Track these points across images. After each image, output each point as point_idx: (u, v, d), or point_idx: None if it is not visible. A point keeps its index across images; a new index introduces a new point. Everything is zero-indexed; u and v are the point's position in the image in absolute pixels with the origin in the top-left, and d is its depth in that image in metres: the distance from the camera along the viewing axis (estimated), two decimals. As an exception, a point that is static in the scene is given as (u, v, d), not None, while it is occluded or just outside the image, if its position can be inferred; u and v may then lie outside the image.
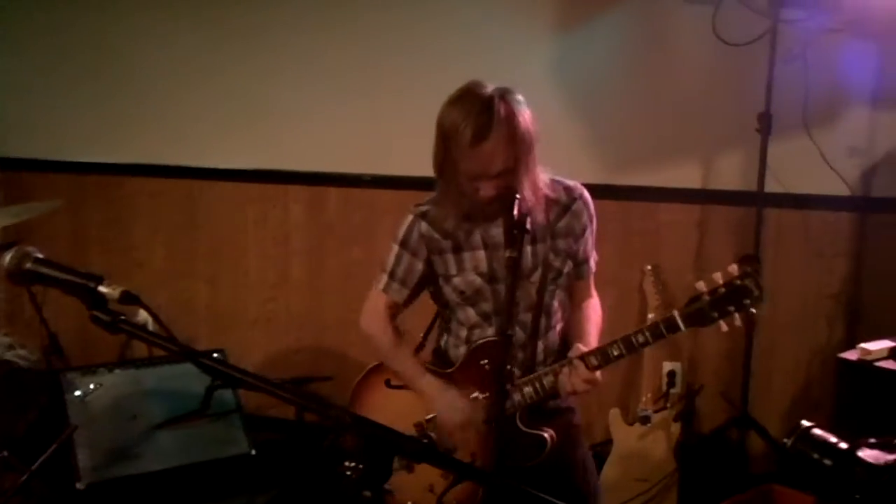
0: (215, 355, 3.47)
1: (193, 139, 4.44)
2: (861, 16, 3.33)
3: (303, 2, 4.19)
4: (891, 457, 1.73)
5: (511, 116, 2.16)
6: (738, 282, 2.12)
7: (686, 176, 3.78)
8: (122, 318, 1.24)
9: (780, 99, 3.46)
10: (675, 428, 3.52)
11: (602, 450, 3.62)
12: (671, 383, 3.69)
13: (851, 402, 3.05)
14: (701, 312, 2.14)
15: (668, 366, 3.70)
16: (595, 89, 3.85)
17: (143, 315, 3.72)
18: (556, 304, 2.38)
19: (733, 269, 2.14)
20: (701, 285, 2.15)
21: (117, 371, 3.46)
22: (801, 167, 3.56)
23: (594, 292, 2.51)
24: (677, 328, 2.16)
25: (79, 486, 3.12)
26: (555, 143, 3.89)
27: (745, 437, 3.65)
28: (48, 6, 4.64)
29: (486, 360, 2.32)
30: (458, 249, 2.34)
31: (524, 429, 2.31)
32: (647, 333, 2.19)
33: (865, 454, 1.76)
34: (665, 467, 3.47)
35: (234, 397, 3.53)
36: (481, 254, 2.33)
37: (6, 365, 3.63)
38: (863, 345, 3.06)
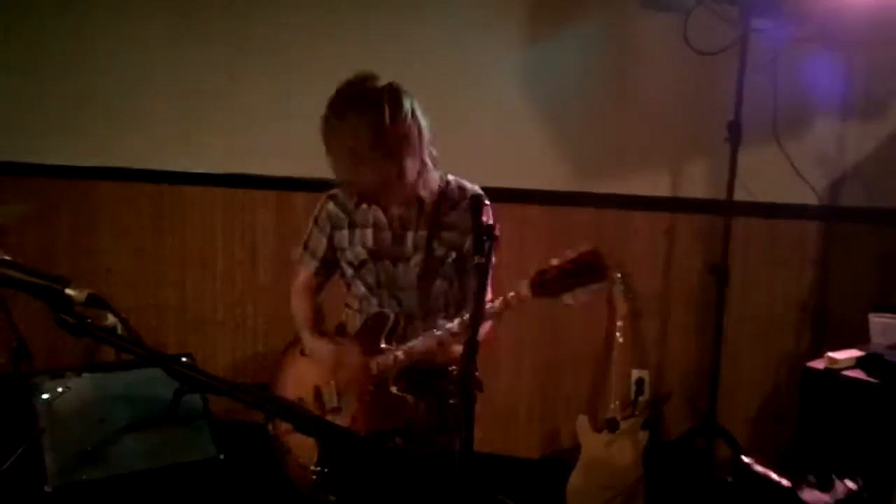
0: (183, 360, 3.45)
1: (162, 143, 4.41)
2: (830, 26, 3.38)
3: (273, 5, 4.18)
4: (830, 498, 1.75)
5: (372, 105, 2.38)
6: (585, 259, 2.29)
7: (655, 184, 3.82)
8: (89, 321, 1.24)
9: (749, 108, 3.49)
10: (643, 435, 3.54)
11: (569, 456, 3.64)
12: (639, 391, 3.73)
13: (818, 411, 3.08)
14: (547, 284, 2.31)
15: (636, 373, 3.75)
16: (565, 98, 3.87)
17: (111, 319, 3.69)
18: (437, 288, 2.59)
19: (584, 247, 2.30)
20: (553, 260, 2.31)
21: (85, 375, 3.43)
22: (770, 176, 3.61)
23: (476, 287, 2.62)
24: (524, 298, 2.34)
25: (46, 488, 3.09)
26: (524, 151, 3.98)
27: (712, 444, 3.69)
28: (20, 7, 4.60)
29: (368, 330, 2.58)
30: (352, 226, 2.63)
31: (396, 392, 2.52)
32: (499, 302, 2.36)
33: (806, 495, 1.78)
34: (632, 474, 3.49)
35: (202, 402, 3.51)
36: (369, 231, 2.60)
37: (-29, 368, 3.58)
38: (830, 354, 3.10)
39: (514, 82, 3.88)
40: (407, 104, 2.44)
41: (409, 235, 2.57)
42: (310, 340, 2.68)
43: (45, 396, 3.30)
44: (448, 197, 2.58)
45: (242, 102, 4.24)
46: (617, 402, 3.60)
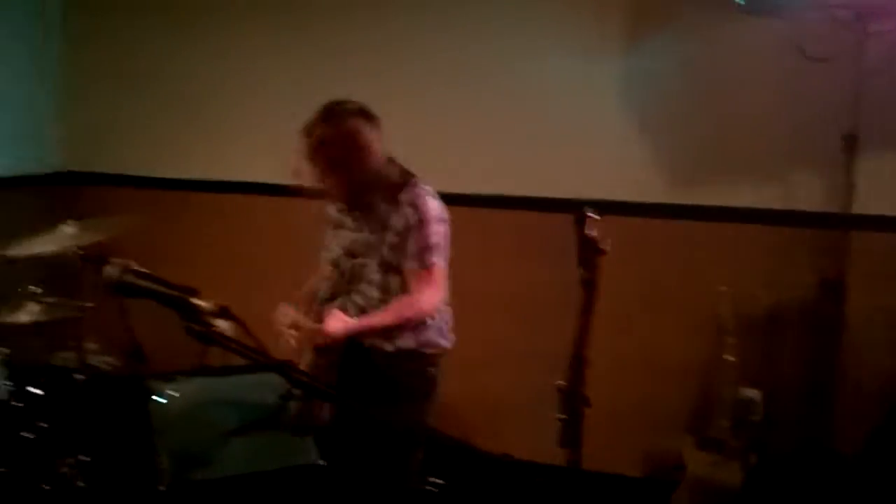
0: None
1: (257, 154, 4.52)
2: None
3: (373, 15, 4.24)
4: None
5: (331, 126, 2.78)
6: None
7: (763, 196, 3.71)
8: (215, 329, 1.28)
9: (867, 115, 3.36)
10: (751, 457, 3.44)
11: (673, 475, 3.57)
12: (749, 411, 3.62)
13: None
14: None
15: (746, 392, 3.63)
16: (664, 106, 3.81)
17: (222, 324, 3.80)
18: (374, 282, 2.88)
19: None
20: None
21: (196, 378, 3.54)
22: (892, 187, 3.46)
23: (416, 289, 2.85)
24: None
25: (160, 487, 3.20)
26: (620, 160, 3.93)
27: (824, 469, 3.55)
28: (119, 27, 4.81)
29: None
30: (337, 227, 3.00)
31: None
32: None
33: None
34: (738, 497, 3.40)
35: (307, 407, 3.57)
36: (342, 233, 2.97)
37: (93, 370, 3.75)
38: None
39: (610, 91, 3.84)
40: (349, 123, 2.78)
41: (360, 238, 2.90)
42: None
43: (158, 399, 3.42)
44: (397, 202, 2.83)
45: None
46: (724, 422, 3.50)
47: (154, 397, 3.41)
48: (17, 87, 4.74)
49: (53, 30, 4.89)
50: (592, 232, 2.25)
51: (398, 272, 2.87)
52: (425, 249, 2.82)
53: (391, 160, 2.91)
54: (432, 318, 2.94)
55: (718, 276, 3.67)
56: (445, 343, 3.02)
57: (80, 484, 3.40)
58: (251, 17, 4.49)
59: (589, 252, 2.18)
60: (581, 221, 2.26)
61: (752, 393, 3.63)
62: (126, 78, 4.82)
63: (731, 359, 3.54)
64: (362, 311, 2.90)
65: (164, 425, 3.35)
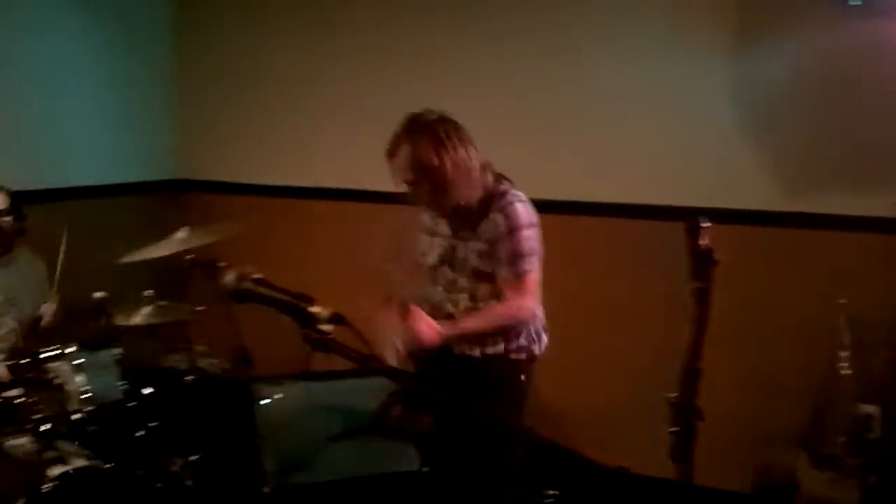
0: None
1: (371, 164, 4.57)
2: None
3: (493, 24, 4.24)
4: None
5: (411, 142, 2.79)
6: None
7: (882, 204, 3.55)
8: (331, 336, 1.29)
9: None
10: (869, 476, 3.28)
11: (786, 493, 3.44)
12: (866, 427, 3.46)
13: None
14: None
15: (864, 409, 3.47)
16: (777, 110, 3.70)
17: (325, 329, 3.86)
18: (465, 289, 2.87)
19: None
20: None
21: (300, 382, 3.59)
22: None
23: (510, 297, 2.81)
24: None
25: (265, 489, 3.26)
26: (732, 167, 3.82)
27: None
28: (230, 38, 4.95)
29: None
30: (431, 234, 3.00)
31: None
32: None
33: None
34: (856, 517, 3.25)
35: (410, 414, 3.58)
36: (436, 240, 2.96)
37: (201, 372, 3.85)
38: None
39: (723, 94, 3.75)
40: (430, 135, 2.79)
41: (455, 245, 2.89)
42: None
43: (264, 402, 3.49)
44: (486, 209, 2.81)
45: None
46: (841, 438, 3.36)
47: (260, 400, 3.48)
48: (133, 98, 4.95)
49: (168, 43, 5.09)
50: (705, 241, 2.21)
51: (488, 280, 2.85)
52: (517, 257, 2.79)
53: (485, 166, 2.88)
54: (526, 325, 2.90)
55: (836, 287, 3.53)
56: (535, 349, 2.97)
57: (189, 483, 3.49)
58: (362, 27, 4.56)
59: (702, 262, 2.12)
60: (694, 231, 2.19)
61: (871, 409, 3.48)
62: (237, 88, 4.97)
63: (848, 373, 3.39)
64: (452, 318, 2.90)
65: (268, 428, 3.41)
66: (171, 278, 4.28)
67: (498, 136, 4.19)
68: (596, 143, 4.04)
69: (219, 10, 5.00)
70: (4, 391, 3.19)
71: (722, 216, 3.64)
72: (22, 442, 3.08)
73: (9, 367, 3.16)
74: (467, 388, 2.85)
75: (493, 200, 2.82)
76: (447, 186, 2.79)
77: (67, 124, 4.61)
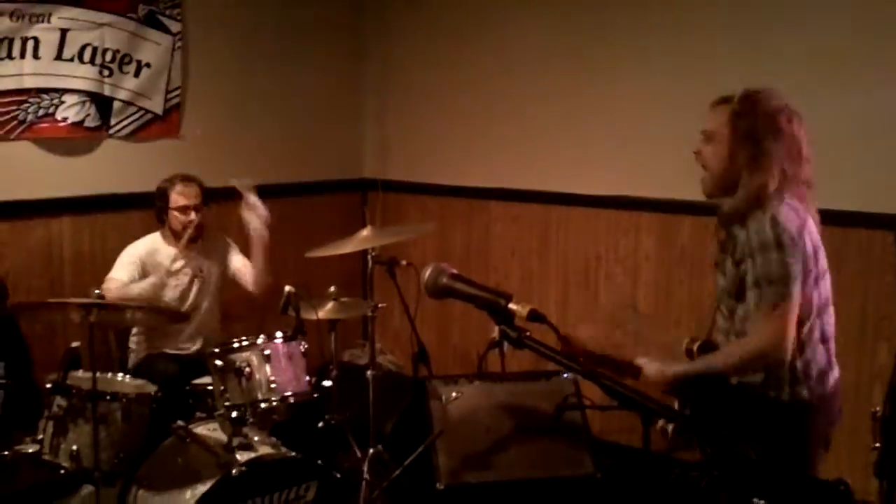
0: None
1: (551, 165, 4.56)
2: None
3: (643, 28, 4.16)
4: None
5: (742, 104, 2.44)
6: None
7: None
8: (528, 334, 1.28)
9: None
10: None
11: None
12: None
13: None
14: None
15: None
16: None
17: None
18: (726, 306, 2.51)
19: None
20: None
21: (476, 382, 3.61)
22: None
23: (753, 328, 2.42)
24: None
25: (438, 486, 3.30)
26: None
27: None
28: (417, 44, 5.08)
29: None
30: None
31: None
32: None
33: None
34: None
35: (582, 419, 3.54)
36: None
37: (379, 367, 3.94)
38: None
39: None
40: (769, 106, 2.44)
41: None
42: None
43: (440, 400, 3.53)
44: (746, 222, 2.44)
45: (636, 126, 4.24)
46: None
47: (436, 398, 3.53)
48: (324, 102, 5.17)
49: (356, 49, 5.28)
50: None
51: (745, 299, 2.46)
52: (765, 280, 2.37)
53: (787, 181, 2.44)
54: (778, 362, 2.41)
55: None
56: (804, 393, 2.46)
57: (367, 477, 3.59)
58: (541, 32, 4.56)
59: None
60: None
61: None
62: (423, 92, 5.10)
63: None
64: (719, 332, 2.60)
65: (443, 426, 3.45)
66: (355, 275, 4.43)
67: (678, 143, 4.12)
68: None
69: (407, 23, 5.14)
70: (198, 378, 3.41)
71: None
72: (212, 428, 3.25)
73: (202, 354, 3.34)
74: (723, 416, 2.50)
75: (759, 207, 2.42)
76: (741, 167, 2.43)
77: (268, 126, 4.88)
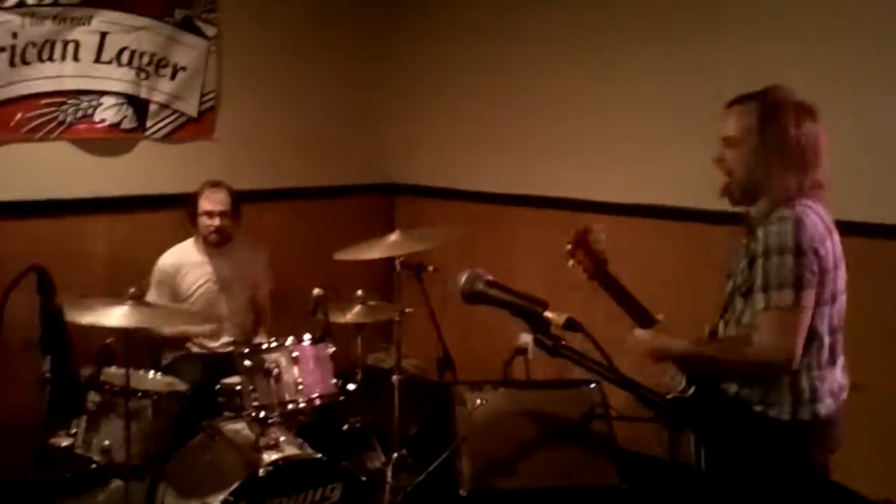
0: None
1: (573, 172, 4.56)
2: None
3: (680, 32, 4.12)
4: None
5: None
6: None
7: None
8: (563, 342, 1.30)
9: None
10: None
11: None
12: None
13: None
14: None
15: None
16: None
17: (524, 338, 3.90)
18: (736, 308, 2.39)
19: None
20: None
21: (501, 389, 3.64)
22: None
23: (756, 332, 2.29)
24: None
25: (461, 492, 3.32)
26: None
27: None
28: (437, 48, 5.10)
29: None
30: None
31: None
32: None
33: None
34: None
35: (608, 428, 3.55)
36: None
37: (404, 372, 3.97)
38: None
39: None
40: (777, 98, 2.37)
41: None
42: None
43: (465, 406, 3.55)
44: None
45: (660, 133, 4.23)
46: None
47: (460, 404, 3.55)
48: (358, 105, 5.22)
49: (391, 52, 5.31)
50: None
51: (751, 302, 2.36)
52: (771, 284, 2.26)
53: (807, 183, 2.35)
54: (776, 371, 2.30)
55: None
56: (806, 415, 2.31)
57: (390, 481, 3.61)
58: (563, 37, 4.56)
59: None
60: None
61: None
62: (444, 96, 5.13)
63: None
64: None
65: (468, 432, 3.47)
66: (381, 279, 4.45)
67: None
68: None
69: (426, 27, 5.18)
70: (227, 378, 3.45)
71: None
72: (240, 427, 3.29)
73: (232, 354, 3.38)
74: (722, 431, 2.38)
75: (775, 208, 2.34)
76: (755, 164, 2.36)
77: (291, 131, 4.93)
